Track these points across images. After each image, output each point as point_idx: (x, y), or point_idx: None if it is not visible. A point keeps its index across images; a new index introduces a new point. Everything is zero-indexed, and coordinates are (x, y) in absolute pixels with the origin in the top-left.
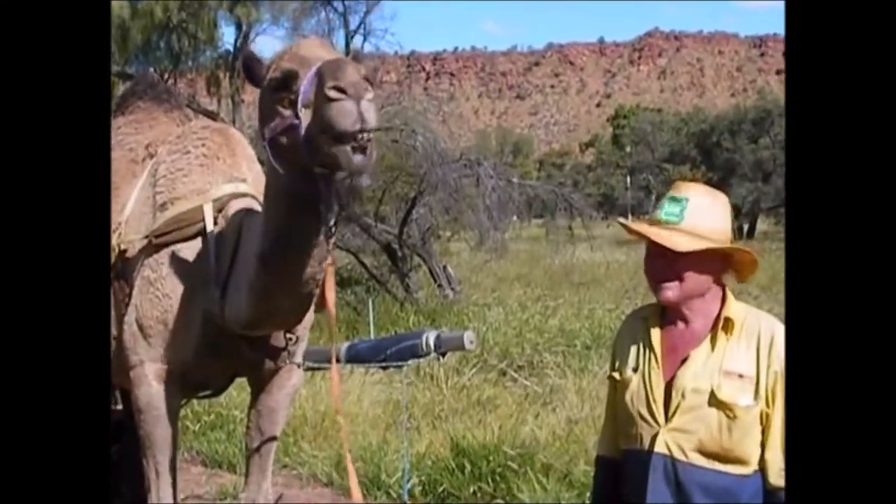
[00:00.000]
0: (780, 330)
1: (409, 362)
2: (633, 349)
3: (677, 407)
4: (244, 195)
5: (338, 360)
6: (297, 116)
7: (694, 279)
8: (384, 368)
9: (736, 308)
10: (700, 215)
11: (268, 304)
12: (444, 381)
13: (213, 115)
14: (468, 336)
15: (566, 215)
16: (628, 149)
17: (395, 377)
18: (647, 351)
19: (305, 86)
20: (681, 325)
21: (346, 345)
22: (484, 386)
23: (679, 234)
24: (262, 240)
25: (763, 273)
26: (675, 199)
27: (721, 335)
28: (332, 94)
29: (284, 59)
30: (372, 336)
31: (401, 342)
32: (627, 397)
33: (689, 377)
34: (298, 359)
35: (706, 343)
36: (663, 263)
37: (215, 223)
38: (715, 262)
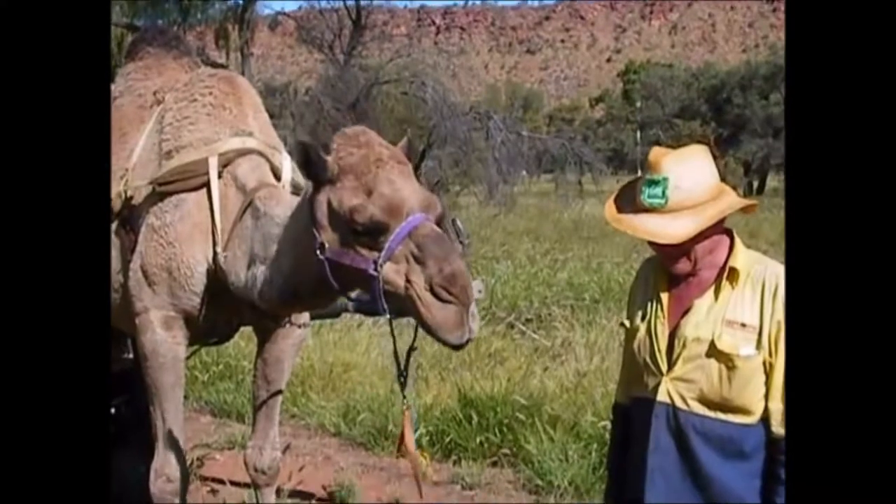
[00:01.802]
0: (777, 273)
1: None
2: (642, 299)
3: (679, 356)
4: (251, 151)
5: (346, 311)
6: (376, 268)
7: (700, 246)
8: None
9: (742, 257)
10: (684, 190)
11: (276, 307)
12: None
13: (223, 69)
14: (477, 285)
15: (576, 170)
16: (638, 104)
17: (405, 330)
18: (655, 300)
19: (393, 244)
20: (688, 277)
21: (354, 294)
22: (492, 339)
23: (668, 218)
24: (277, 281)
25: (772, 229)
26: (653, 181)
27: (726, 285)
28: (443, 294)
29: (367, 181)
30: None
31: None
32: (635, 346)
33: (691, 326)
34: (301, 320)
35: (710, 293)
36: (666, 247)
37: (220, 177)
38: (715, 222)
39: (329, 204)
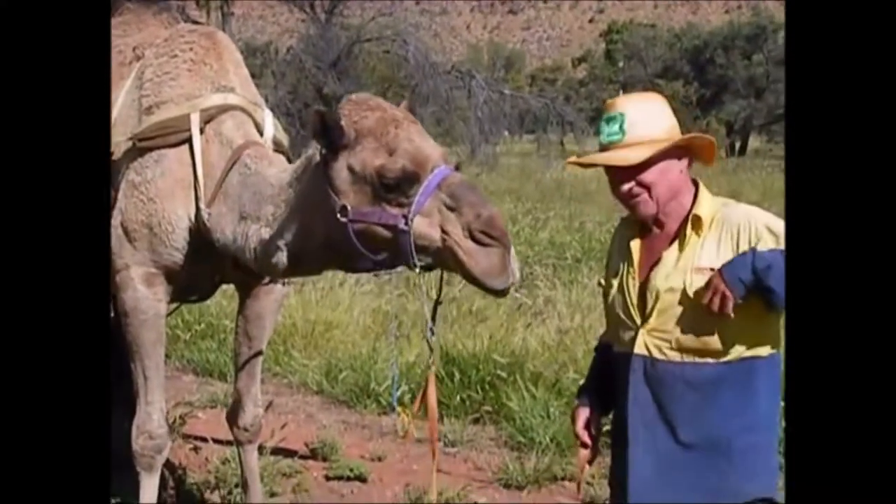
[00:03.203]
0: (754, 214)
1: (399, 269)
2: (617, 256)
3: (653, 308)
4: (234, 107)
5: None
6: (406, 223)
7: (661, 184)
8: (375, 275)
9: (707, 205)
10: (641, 124)
11: (268, 269)
12: (434, 293)
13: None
14: None
15: (558, 130)
16: (621, 64)
17: (386, 287)
18: (627, 256)
19: (424, 196)
20: (656, 228)
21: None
22: (474, 297)
23: (626, 149)
24: (279, 249)
25: (754, 189)
26: (610, 118)
27: (691, 233)
28: (484, 239)
29: (387, 140)
30: None
31: None
32: (610, 301)
33: (661, 278)
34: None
35: (676, 243)
36: (626, 182)
37: (202, 133)
38: (674, 160)
39: (350, 169)
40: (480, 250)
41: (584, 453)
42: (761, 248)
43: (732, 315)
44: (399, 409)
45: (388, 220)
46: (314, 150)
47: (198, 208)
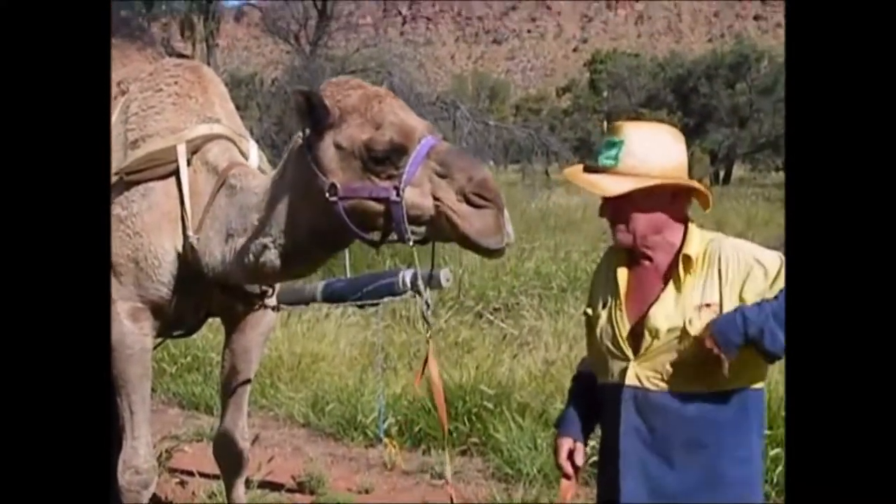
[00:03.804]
0: (742, 248)
1: (385, 300)
2: (603, 286)
3: (650, 345)
4: (220, 136)
5: (315, 300)
6: (398, 194)
7: (642, 219)
8: (360, 307)
9: (696, 243)
10: (637, 155)
11: (259, 275)
12: (419, 323)
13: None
14: (444, 273)
15: (543, 160)
16: (605, 93)
17: (372, 319)
18: (615, 287)
19: (414, 165)
20: (645, 261)
21: (322, 283)
22: (460, 328)
23: (614, 177)
24: (268, 246)
25: (738, 218)
26: (611, 143)
27: (684, 273)
28: (479, 201)
29: (372, 115)
30: (348, 276)
31: (377, 280)
32: (598, 333)
33: (661, 318)
34: (272, 302)
35: (672, 285)
36: (611, 207)
37: (189, 164)
38: (663, 199)
39: (337, 146)
40: (475, 212)
41: (567, 484)
42: (751, 283)
43: (726, 373)
44: (386, 440)
45: (379, 193)
46: (294, 142)
47: (185, 238)
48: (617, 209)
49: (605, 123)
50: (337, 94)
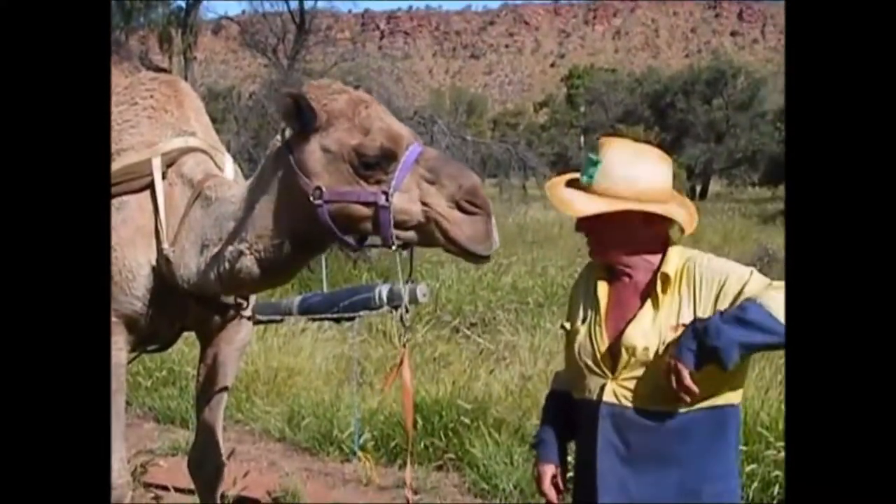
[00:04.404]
0: (707, 263)
1: (361, 314)
2: (583, 302)
3: (626, 364)
4: (195, 149)
5: (290, 314)
6: (387, 199)
7: (615, 239)
8: (337, 322)
9: (674, 262)
10: (611, 177)
11: (235, 283)
12: (396, 338)
13: (166, 72)
14: (421, 289)
15: (520, 174)
16: (582, 109)
17: (348, 334)
18: (594, 303)
19: (403, 171)
20: (624, 279)
21: (298, 298)
22: (437, 343)
23: (587, 196)
24: (242, 256)
25: (715, 233)
26: (591, 161)
27: (661, 292)
28: (469, 207)
29: (360, 121)
30: (325, 290)
31: (354, 295)
32: (575, 348)
33: (639, 336)
34: (248, 313)
35: (649, 304)
36: (585, 225)
37: (164, 177)
38: (634, 222)
39: (324, 149)
40: (465, 219)
41: None
42: (723, 299)
43: (694, 387)
44: (361, 455)
45: (367, 197)
46: (272, 146)
47: (160, 251)
48: (590, 228)
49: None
50: (322, 98)
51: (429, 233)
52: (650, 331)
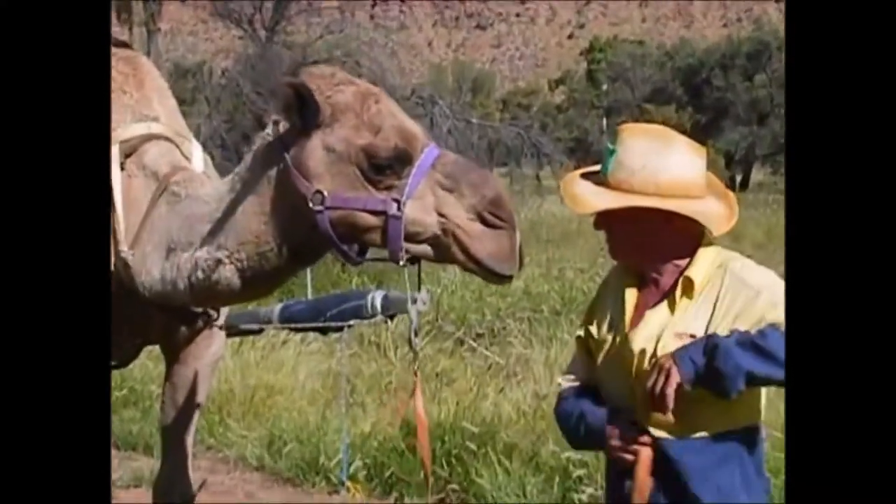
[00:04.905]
0: (739, 273)
1: (351, 324)
2: (611, 307)
3: (629, 368)
4: (158, 137)
5: (270, 323)
6: (399, 208)
7: (633, 238)
8: (323, 333)
9: (702, 266)
10: (627, 168)
11: (210, 295)
12: (392, 351)
13: (125, 46)
14: (421, 295)
15: (533, 162)
16: (605, 87)
17: (337, 346)
18: (620, 310)
19: (417, 178)
20: (651, 283)
21: (279, 306)
22: (438, 357)
23: (600, 190)
24: (222, 261)
25: (758, 228)
26: (607, 150)
27: (681, 296)
28: (493, 220)
29: (369, 117)
30: (309, 297)
31: (343, 303)
32: (599, 359)
33: (640, 340)
34: (220, 323)
35: (664, 305)
36: (601, 222)
37: (123, 169)
38: (655, 219)
39: (328, 148)
40: (489, 233)
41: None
42: (744, 318)
43: (671, 404)
44: (350, 486)
45: (375, 205)
46: (261, 142)
47: (117, 254)
48: (609, 225)
49: (604, 121)
50: (326, 89)
51: (444, 247)
52: (653, 336)
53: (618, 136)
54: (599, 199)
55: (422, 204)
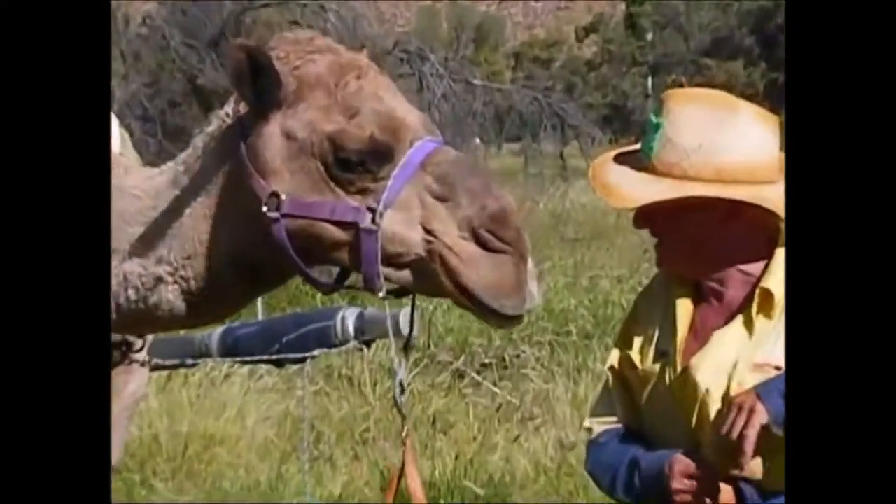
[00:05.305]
0: None
1: (316, 353)
2: (659, 324)
3: (692, 412)
4: None
5: (208, 355)
6: (373, 219)
7: (686, 238)
8: (278, 366)
9: (782, 274)
10: (679, 146)
11: (144, 321)
12: (369, 388)
13: None
14: (404, 315)
15: (555, 136)
16: (650, 36)
17: (296, 380)
18: (671, 328)
19: (399, 180)
20: (711, 296)
21: (219, 331)
22: (431, 394)
23: (643, 177)
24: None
25: None
26: (651, 124)
27: (756, 315)
28: (492, 241)
29: (344, 96)
30: (260, 318)
31: (304, 325)
32: (645, 392)
33: (707, 372)
34: (142, 355)
35: (738, 325)
36: (643, 219)
37: None
38: (715, 213)
39: (287, 135)
40: (485, 257)
41: None
42: None
43: (751, 449)
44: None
45: (344, 214)
46: (217, 123)
47: None
48: (654, 223)
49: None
50: (294, 58)
51: (429, 274)
52: (724, 366)
53: (665, 104)
54: (642, 188)
55: (406, 216)
